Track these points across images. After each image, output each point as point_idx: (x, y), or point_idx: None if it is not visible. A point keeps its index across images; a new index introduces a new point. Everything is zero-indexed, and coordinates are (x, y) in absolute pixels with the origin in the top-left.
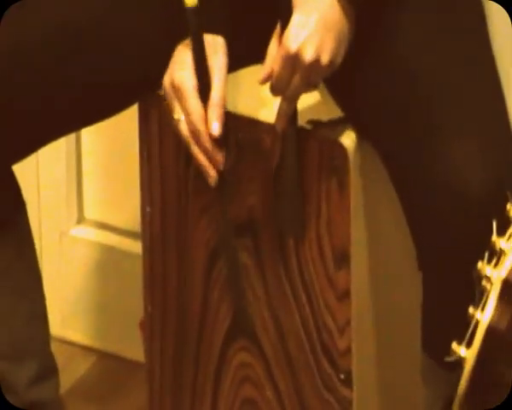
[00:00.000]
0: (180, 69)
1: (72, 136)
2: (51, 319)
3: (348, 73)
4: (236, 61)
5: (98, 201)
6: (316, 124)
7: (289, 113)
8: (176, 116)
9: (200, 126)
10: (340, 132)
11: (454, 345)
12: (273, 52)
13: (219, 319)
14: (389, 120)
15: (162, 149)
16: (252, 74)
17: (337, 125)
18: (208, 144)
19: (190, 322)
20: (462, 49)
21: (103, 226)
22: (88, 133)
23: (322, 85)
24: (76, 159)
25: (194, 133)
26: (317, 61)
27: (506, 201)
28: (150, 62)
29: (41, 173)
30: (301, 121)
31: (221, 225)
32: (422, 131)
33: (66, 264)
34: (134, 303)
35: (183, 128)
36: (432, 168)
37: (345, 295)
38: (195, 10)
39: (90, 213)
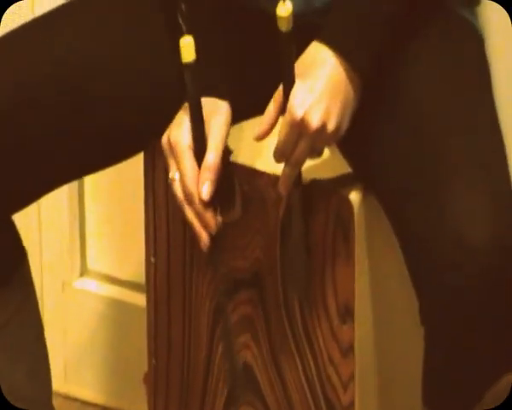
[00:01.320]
0: (177, 129)
1: (75, 184)
2: (54, 373)
3: (356, 129)
4: (238, 114)
5: (102, 252)
6: (325, 179)
7: (293, 177)
8: (171, 175)
9: (193, 188)
10: (347, 187)
11: None
12: (271, 110)
13: (224, 372)
14: (396, 176)
15: (168, 198)
16: (256, 123)
17: (345, 181)
18: (200, 207)
19: (195, 376)
20: (469, 107)
21: (107, 278)
22: (91, 182)
23: None
24: (79, 208)
25: (187, 194)
26: (322, 129)
27: None
28: (157, 108)
29: (43, 223)
30: (309, 176)
31: (224, 279)
32: (429, 188)
33: (68, 316)
34: (138, 357)
35: (177, 188)
36: (437, 224)
37: (349, 350)
38: (192, 66)
39: (93, 264)
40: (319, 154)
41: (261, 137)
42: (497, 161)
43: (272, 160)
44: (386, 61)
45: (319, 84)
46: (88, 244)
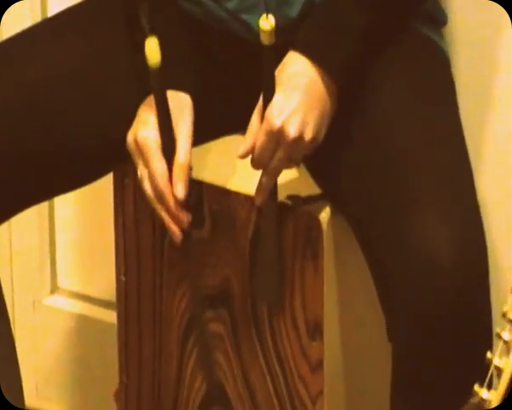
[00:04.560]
0: (144, 128)
1: (45, 202)
2: (26, 389)
3: (325, 151)
4: (214, 132)
5: (72, 269)
6: (294, 198)
7: (269, 187)
8: (139, 173)
9: (164, 187)
10: (316, 206)
11: (476, 387)
12: (254, 127)
13: (194, 389)
14: (363, 198)
15: (137, 218)
16: (225, 143)
17: (314, 201)
18: (172, 204)
19: (165, 392)
20: (437, 130)
21: (77, 296)
22: (61, 200)
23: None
24: (49, 226)
25: (158, 192)
26: (300, 138)
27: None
28: (121, 126)
29: (13, 241)
30: (280, 195)
31: (194, 296)
32: (395, 209)
33: (40, 334)
34: (109, 374)
35: (147, 187)
36: (402, 245)
37: (318, 366)
38: (159, 70)
39: (63, 281)
40: (296, 163)
41: (246, 154)
42: (463, 181)
43: (241, 179)
44: (357, 77)
45: (297, 94)
46: (58, 262)
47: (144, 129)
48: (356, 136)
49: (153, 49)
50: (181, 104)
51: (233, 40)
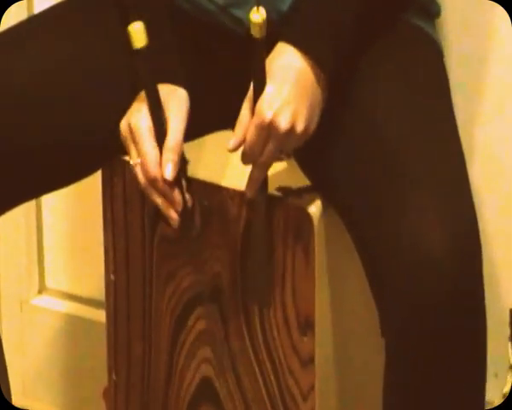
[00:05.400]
0: (137, 114)
1: (33, 201)
2: (13, 388)
3: (315, 145)
4: (203, 127)
5: (60, 269)
6: (284, 191)
7: (260, 180)
8: (132, 160)
9: (155, 171)
10: (307, 199)
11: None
12: (244, 120)
13: (184, 386)
14: (354, 191)
15: (126, 215)
16: (215, 139)
17: (305, 193)
18: (164, 188)
19: (155, 390)
20: (430, 122)
21: (65, 296)
22: (49, 198)
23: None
24: (36, 225)
25: (150, 177)
26: (291, 130)
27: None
28: (110, 122)
29: (0, 241)
30: (270, 187)
31: (183, 293)
32: (387, 201)
33: (27, 334)
34: (98, 372)
35: (139, 172)
36: (394, 237)
37: (309, 362)
38: (144, 52)
39: (51, 281)
40: (288, 155)
41: (236, 147)
42: (457, 174)
43: (231, 175)
44: (348, 66)
45: (287, 86)
46: (46, 261)
47: (137, 115)
48: (348, 128)
49: (138, 32)
50: (176, 96)
51: (223, 34)
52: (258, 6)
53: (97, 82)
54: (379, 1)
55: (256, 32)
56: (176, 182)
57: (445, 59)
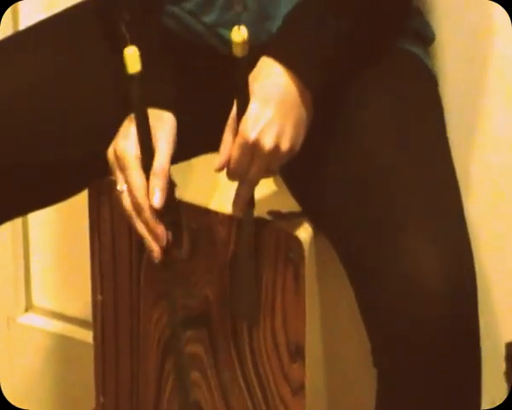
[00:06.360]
0: (123, 140)
1: (19, 219)
2: None
3: (306, 171)
4: (191, 150)
5: (47, 287)
6: (274, 215)
7: (247, 198)
8: (119, 187)
9: (141, 199)
10: (297, 225)
11: None
12: (228, 139)
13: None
14: (348, 219)
15: (114, 236)
16: (203, 161)
17: (295, 218)
18: (149, 218)
19: None
20: (423, 147)
21: (52, 314)
22: (36, 216)
23: (278, 178)
24: (23, 243)
25: (136, 206)
26: (276, 149)
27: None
28: (101, 147)
29: None
30: (260, 211)
31: (172, 316)
32: (381, 231)
33: (13, 352)
34: (85, 393)
35: (126, 200)
36: (389, 268)
37: (299, 389)
38: (138, 78)
39: (38, 299)
40: (274, 173)
41: (222, 168)
42: (452, 203)
43: (220, 197)
44: (336, 88)
45: (271, 105)
46: (33, 279)
47: (123, 141)
48: (340, 155)
49: (133, 57)
50: (164, 122)
51: (211, 54)
52: (239, 25)
53: (83, 100)
54: (367, 20)
55: (237, 51)
56: (162, 213)
57: (438, 87)
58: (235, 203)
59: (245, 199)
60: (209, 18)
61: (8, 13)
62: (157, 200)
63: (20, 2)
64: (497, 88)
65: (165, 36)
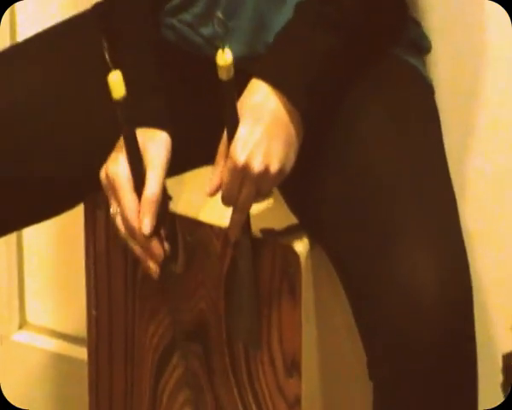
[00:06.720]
0: (114, 163)
1: (13, 234)
2: None
3: (303, 184)
4: (189, 162)
5: (41, 304)
6: (268, 232)
7: (241, 222)
8: (112, 210)
9: (134, 222)
10: (294, 238)
11: None
12: (219, 164)
13: None
14: (345, 232)
15: (109, 251)
16: (197, 173)
17: (291, 233)
18: (144, 240)
19: None
20: (421, 159)
21: (46, 331)
22: (30, 232)
23: (276, 191)
24: (17, 259)
25: (129, 228)
26: (265, 171)
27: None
28: (98, 161)
29: None
30: (255, 227)
31: (168, 331)
32: (378, 245)
33: (7, 370)
34: None
35: (119, 223)
36: (385, 281)
37: (295, 404)
38: (123, 101)
39: (32, 317)
40: (266, 196)
41: (214, 192)
42: (448, 216)
43: (215, 211)
44: (331, 104)
45: (260, 127)
46: (27, 296)
47: (114, 165)
48: (337, 168)
49: (116, 83)
50: (156, 142)
51: (208, 66)
52: (223, 48)
53: (80, 115)
54: (354, 36)
55: (223, 75)
56: (156, 232)
57: (435, 95)
58: (230, 228)
59: (240, 224)
60: (207, 30)
61: (6, 14)
62: (146, 228)
63: (16, 5)
64: (492, 96)
65: (163, 47)
